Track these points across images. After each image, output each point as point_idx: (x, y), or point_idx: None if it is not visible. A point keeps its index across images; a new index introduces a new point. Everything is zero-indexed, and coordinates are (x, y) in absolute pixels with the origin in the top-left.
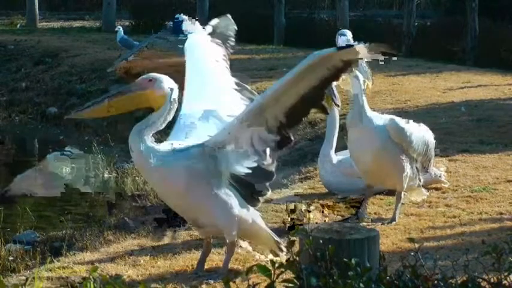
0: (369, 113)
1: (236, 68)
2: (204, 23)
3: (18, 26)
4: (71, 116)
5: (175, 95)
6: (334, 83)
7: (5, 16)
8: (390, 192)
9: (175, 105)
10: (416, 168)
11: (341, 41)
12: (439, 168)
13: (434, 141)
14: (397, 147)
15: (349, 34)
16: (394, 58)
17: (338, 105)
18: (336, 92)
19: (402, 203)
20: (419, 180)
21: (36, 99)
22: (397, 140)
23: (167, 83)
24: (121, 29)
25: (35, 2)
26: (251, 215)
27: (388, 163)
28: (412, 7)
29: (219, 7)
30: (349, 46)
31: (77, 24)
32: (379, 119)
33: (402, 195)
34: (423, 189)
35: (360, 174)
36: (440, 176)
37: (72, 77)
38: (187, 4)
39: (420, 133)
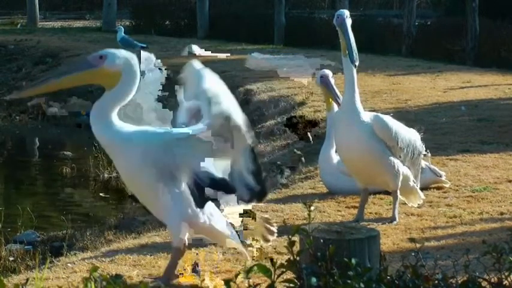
0: (358, 104)
1: (236, 68)
2: (204, 24)
3: (19, 25)
4: (15, 95)
5: (134, 67)
6: (333, 81)
7: (5, 16)
8: (389, 192)
9: (136, 78)
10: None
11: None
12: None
13: (423, 147)
14: (383, 145)
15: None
16: None
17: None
18: (337, 90)
19: (402, 203)
20: (415, 182)
21: (37, 99)
22: (381, 135)
23: (121, 58)
24: (121, 28)
25: (35, 1)
26: (210, 218)
27: (376, 161)
28: (412, 7)
29: (219, 7)
30: None
31: (77, 24)
32: (366, 116)
33: (398, 193)
34: (420, 193)
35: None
36: (441, 176)
37: None
38: (187, 4)
39: (406, 133)
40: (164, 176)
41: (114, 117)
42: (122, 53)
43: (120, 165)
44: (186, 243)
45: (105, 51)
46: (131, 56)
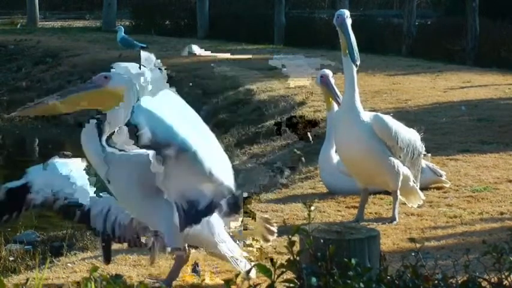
0: (358, 104)
1: (236, 67)
2: (204, 23)
3: (19, 25)
4: (17, 113)
5: (136, 88)
6: (333, 81)
7: (5, 16)
8: (389, 192)
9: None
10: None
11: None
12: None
13: (423, 147)
14: (383, 145)
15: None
16: None
17: (340, 104)
18: (337, 90)
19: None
20: (415, 183)
21: (37, 99)
22: (381, 135)
23: (125, 78)
24: (121, 28)
25: (35, 1)
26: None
27: (376, 161)
28: (412, 7)
29: (219, 7)
30: None
31: (77, 24)
32: (366, 115)
33: (398, 193)
34: (420, 193)
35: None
36: (441, 176)
37: (73, 77)
38: (187, 4)
39: (406, 133)
40: (151, 192)
41: (103, 139)
42: (128, 73)
43: (110, 185)
44: (187, 249)
45: (111, 73)
46: (136, 76)
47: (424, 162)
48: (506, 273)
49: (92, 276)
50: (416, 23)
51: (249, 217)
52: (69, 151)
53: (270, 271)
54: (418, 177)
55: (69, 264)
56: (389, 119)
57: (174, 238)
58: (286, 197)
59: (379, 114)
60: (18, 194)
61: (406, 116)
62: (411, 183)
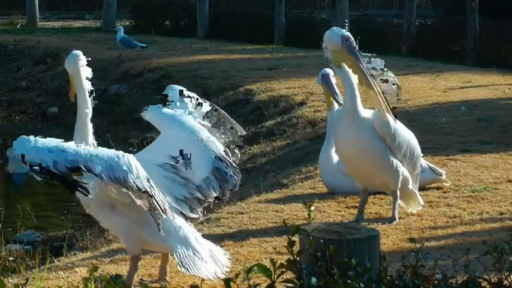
0: (359, 103)
1: (236, 68)
2: (204, 23)
3: (19, 25)
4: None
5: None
6: (334, 80)
7: (5, 16)
8: None
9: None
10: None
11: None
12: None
13: (421, 154)
14: (383, 144)
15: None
16: None
17: (340, 103)
18: (337, 89)
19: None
20: (414, 186)
21: (37, 99)
22: (381, 133)
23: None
24: (121, 28)
25: (35, 1)
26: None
27: (375, 159)
28: (412, 7)
29: (219, 7)
30: None
31: (77, 24)
32: (367, 113)
33: (398, 193)
34: (419, 198)
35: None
36: (441, 175)
37: None
38: (187, 4)
39: (405, 133)
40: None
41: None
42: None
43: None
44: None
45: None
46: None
47: (423, 162)
48: (506, 273)
49: (92, 276)
50: (416, 23)
51: None
52: None
53: (270, 271)
54: (417, 181)
55: (69, 264)
56: (389, 117)
57: (132, 248)
58: (286, 197)
59: (379, 111)
60: None
61: (406, 116)
62: (410, 186)
